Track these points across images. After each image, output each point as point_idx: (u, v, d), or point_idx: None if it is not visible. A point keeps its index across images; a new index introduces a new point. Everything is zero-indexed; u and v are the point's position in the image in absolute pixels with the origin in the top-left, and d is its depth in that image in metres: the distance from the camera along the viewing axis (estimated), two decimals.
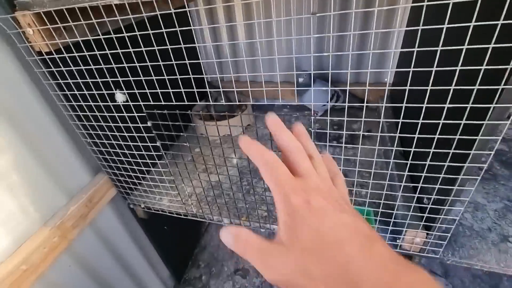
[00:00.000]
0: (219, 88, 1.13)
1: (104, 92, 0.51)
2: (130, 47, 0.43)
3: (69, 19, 0.44)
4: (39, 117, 0.59)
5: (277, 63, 1.04)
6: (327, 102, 0.94)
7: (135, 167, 0.64)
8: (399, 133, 0.43)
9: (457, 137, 0.38)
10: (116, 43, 0.43)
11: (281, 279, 0.21)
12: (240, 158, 0.80)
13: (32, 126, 0.57)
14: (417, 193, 0.49)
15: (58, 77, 0.52)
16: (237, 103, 1.08)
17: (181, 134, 0.54)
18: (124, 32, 0.43)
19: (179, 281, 1.09)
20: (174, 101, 0.46)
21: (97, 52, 0.46)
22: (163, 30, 0.39)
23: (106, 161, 0.66)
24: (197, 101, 1.06)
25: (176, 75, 0.44)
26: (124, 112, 0.53)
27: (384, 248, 0.19)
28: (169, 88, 0.46)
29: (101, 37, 0.44)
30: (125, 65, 0.46)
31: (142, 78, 0.47)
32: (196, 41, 0.83)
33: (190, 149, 0.54)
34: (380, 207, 0.52)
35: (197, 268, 1.14)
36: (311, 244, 0.20)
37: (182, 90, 0.45)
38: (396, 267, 0.18)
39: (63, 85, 0.53)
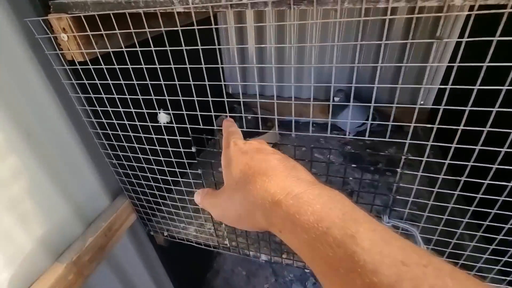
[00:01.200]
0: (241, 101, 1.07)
1: (145, 111, 0.44)
2: (172, 63, 0.36)
3: (115, 25, 0.37)
4: (60, 135, 0.51)
5: (312, 75, 0.98)
6: (364, 122, 0.88)
7: (156, 192, 0.57)
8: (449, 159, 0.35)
9: None
10: (154, 54, 0.36)
11: (220, 213, 0.27)
12: None
13: (52, 146, 0.49)
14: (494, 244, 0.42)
15: (90, 91, 0.45)
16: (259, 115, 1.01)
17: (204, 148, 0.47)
18: (152, 44, 0.36)
19: None
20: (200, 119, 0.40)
21: (143, 66, 0.39)
22: (199, 46, 0.32)
23: (130, 184, 0.58)
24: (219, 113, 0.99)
25: (207, 91, 0.37)
26: (165, 134, 0.46)
27: (303, 170, 0.24)
28: (197, 108, 0.39)
29: (138, 49, 0.37)
30: (176, 82, 0.39)
31: (180, 97, 0.40)
32: (219, 55, 0.77)
33: (212, 167, 0.46)
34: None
35: None
36: (240, 175, 0.24)
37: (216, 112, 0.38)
38: (309, 182, 0.22)
39: (94, 100, 0.46)
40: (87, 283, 0.57)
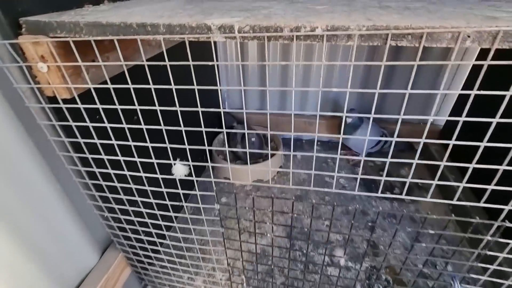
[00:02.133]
0: (241, 122, 0.98)
1: (154, 161, 0.33)
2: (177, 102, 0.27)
3: (119, 52, 0.27)
4: (35, 188, 0.39)
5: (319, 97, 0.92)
6: (375, 145, 0.83)
7: (155, 239, 0.46)
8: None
9: None
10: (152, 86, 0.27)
11: None
12: (285, 213, 0.65)
13: (24, 203, 0.37)
14: None
15: (77, 134, 0.34)
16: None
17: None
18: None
19: None
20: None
21: (151, 86, 0.29)
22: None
23: (124, 235, 0.47)
24: (218, 136, 0.89)
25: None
26: (180, 189, 0.36)
27: None
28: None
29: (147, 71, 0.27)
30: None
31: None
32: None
33: (217, 198, 0.38)
34: None
35: None
36: None
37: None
38: None
39: (83, 145, 0.35)
40: None
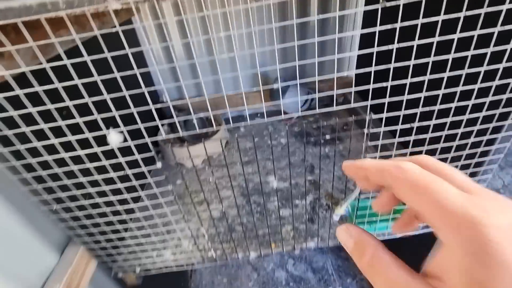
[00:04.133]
0: (182, 109, 1.01)
1: (88, 135, 0.36)
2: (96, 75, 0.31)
3: (28, 36, 0.29)
4: None
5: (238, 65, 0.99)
6: (303, 104, 0.94)
7: (117, 227, 0.49)
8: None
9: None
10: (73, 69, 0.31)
11: None
12: (234, 180, 0.72)
13: None
14: None
15: (2, 125, 0.35)
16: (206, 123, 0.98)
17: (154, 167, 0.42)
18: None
19: None
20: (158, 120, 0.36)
21: (77, 81, 0.32)
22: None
23: (83, 227, 0.49)
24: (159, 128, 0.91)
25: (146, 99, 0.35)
26: (120, 156, 0.39)
27: None
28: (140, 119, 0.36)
29: (67, 62, 0.31)
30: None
31: (133, 109, 0.35)
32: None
33: (170, 182, 0.44)
34: None
35: None
36: None
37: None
38: None
39: (13, 137, 0.36)
40: None
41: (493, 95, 0.38)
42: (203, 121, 0.97)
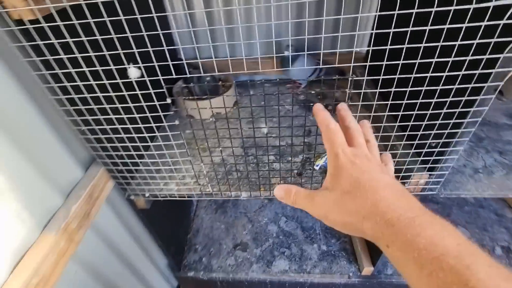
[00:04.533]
0: (197, 68, 1.07)
1: (113, 67, 0.44)
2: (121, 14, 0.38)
3: None
4: (16, 104, 0.48)
5: (256, 32, 1.02)
6: (311, 74, 0.97)
7: (133, 152, 0.58)
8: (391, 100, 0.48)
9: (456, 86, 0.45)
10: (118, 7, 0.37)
11: (322, 213, 0.28)
12: (237, 136, 0.79)
13: (12, 117, 0.47)
14: (414, 147, 0.57)
15: (47, 52, 0.43)
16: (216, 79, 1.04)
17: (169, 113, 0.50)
18: None
19: (179, 268, 1.06)
20: (174, 74, 0.44)
21: (106, 19, 0.39)
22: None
23: (104, 150, 0.59)
24: (175, 81, 0.99)
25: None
26: (137, 90, 0.47)
27: (413, 198, 0.25)
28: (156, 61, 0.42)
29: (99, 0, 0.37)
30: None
31: (150, 48, 0.42)
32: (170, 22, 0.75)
33: (181, 133, 0.52)
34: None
35: (194, 252, 1.12)
36: (350, 188, 0.26)
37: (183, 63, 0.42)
38: (420, 209, 0.23)
39: (53, 62, 0.44)
40: (78, 252, 0.58)
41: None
42: (215, 81, 1.04)
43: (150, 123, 0.52)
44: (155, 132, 0.54)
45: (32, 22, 0.40)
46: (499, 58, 0.41)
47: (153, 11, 0.37)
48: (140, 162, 0.63)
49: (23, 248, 0.48)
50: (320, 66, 0.97)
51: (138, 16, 0.38)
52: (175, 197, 0.70)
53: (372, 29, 0.93)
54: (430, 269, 0.19)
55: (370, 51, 0.43)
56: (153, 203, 0.77)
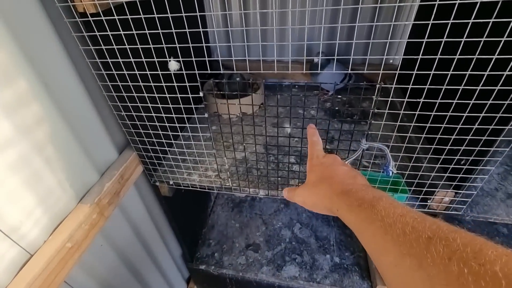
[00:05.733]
0: (228, 67, 1.12)
1: (155, 59, 0.49)
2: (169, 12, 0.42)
3: None
4: (70, 87, 0.55)
5: (289, 36, 1.05)
6: (340, 81, 0.98)
7: (163, 140, 0.63)
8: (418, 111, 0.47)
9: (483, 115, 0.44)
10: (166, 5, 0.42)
11: (301, 200, 0.41)
12: (261, 135, 0.82)
13: (65, 97, 0.53)
14: (440, 161, 0.55)
15: (101, 43, 0.49)
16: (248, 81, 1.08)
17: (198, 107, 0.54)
18: None
19: (192, 260, 1.10)
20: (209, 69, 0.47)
21: (155, 15, 0.44)
22: None
23: (138, 135, 0.64)
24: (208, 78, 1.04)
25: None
26: (174, 82, 0.52)
27: (365, 181, 0.36)
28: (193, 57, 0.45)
29: None
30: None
31: (190, 44, 0.45)
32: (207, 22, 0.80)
33: (209, 126, 0.55)
34: (405, 177, 0.58)
35: (208, 246, 1.15)
36: (318, 179, 0.38)
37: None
38: (368, 187, 0.34)
39: (105, 52, 0.50)
40: (105, 227, 0.63)
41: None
42: (244, 83, 1.07)
43: (182, 114, 0.56)
44: (185, 123, 0.58)
45: (92, 15, 0.46)
46: None
47: (197, 9, 0.41)
48: (169, 150, 0.67)
49: (62, 214, 0.54)
50: (349, 71, 0.97)
51: (184, 14, 0.42)
52: (197, 187, 0.73)
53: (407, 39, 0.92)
54: (375, 218, 0.26)
55: (401, 60, 0.44)
56: (175, 193, 0.81)
